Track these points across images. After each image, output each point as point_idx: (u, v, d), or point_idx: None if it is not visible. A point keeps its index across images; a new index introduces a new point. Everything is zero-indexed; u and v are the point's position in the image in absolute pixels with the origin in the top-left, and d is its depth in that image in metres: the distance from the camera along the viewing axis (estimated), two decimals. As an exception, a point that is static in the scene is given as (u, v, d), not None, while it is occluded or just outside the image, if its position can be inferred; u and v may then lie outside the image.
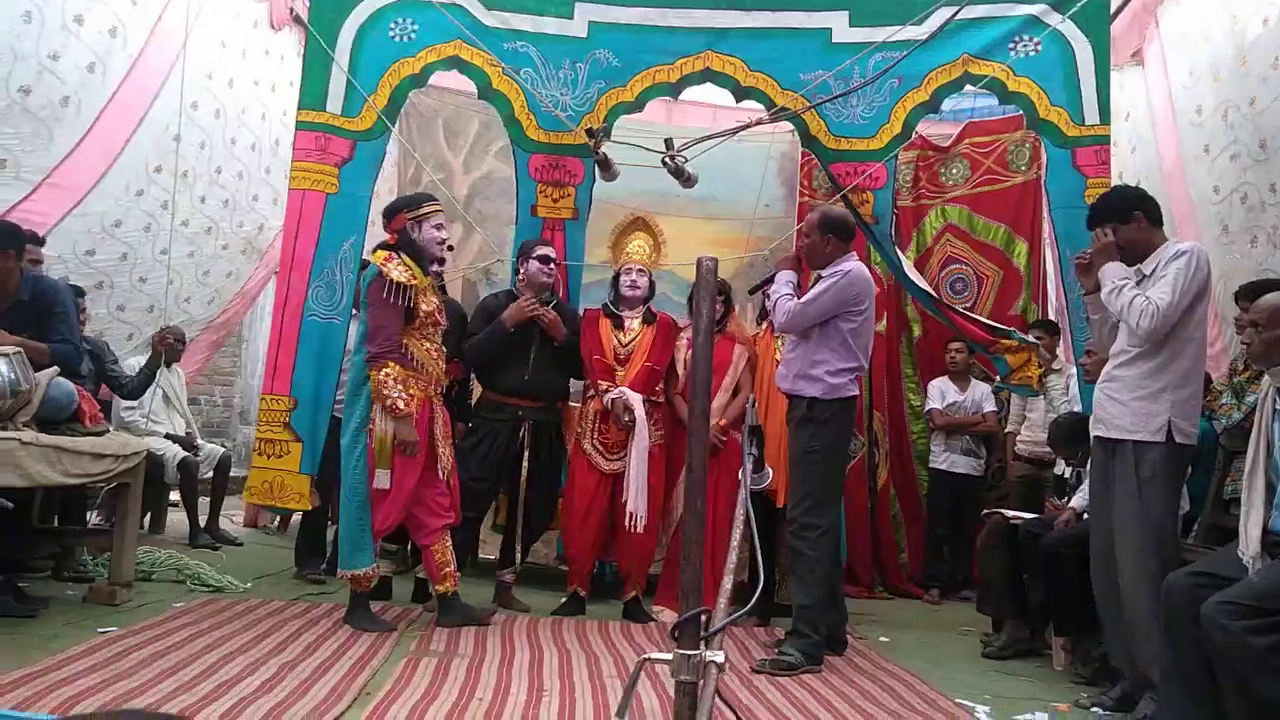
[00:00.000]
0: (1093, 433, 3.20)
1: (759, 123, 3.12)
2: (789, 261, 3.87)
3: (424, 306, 3.56)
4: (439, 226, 3.69)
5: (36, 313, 3.58)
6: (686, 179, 2.67)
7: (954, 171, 6.06)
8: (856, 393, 3.72)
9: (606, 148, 3.44)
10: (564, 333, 4.20)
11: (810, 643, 3.44)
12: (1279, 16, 3.91)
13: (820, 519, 3.54)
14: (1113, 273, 3.14)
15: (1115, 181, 4.66)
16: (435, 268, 3.99)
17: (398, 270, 3.50)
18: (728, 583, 1.29)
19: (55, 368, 3.37)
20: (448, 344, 4.22)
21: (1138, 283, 3.12)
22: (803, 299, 3.62)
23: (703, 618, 1.14)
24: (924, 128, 5.42)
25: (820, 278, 3.66)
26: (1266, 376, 2.86)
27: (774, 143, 6.03)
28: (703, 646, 1.12)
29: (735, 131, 2.74)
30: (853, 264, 3.66)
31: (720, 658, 1.13)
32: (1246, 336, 2.95)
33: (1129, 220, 3.14)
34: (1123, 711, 3.05)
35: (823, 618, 3.53)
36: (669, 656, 1.16)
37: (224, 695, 2.55)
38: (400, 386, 3.45)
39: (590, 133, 3.03)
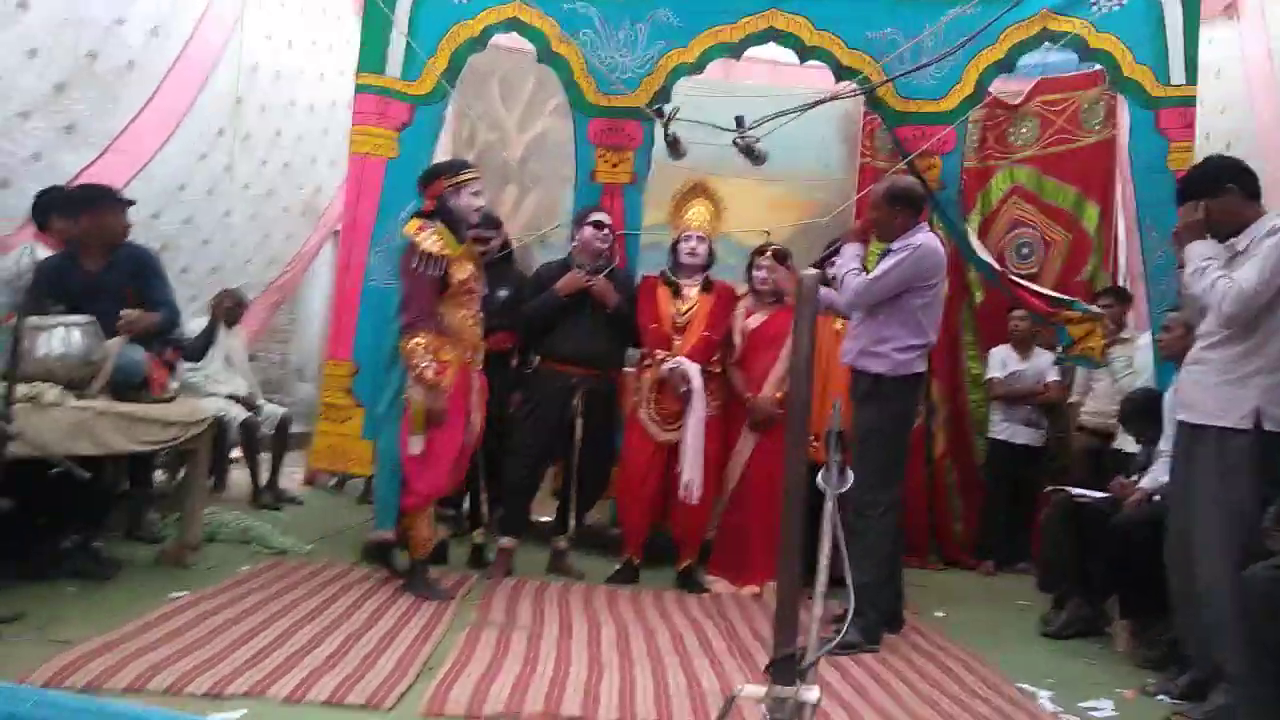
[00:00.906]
0: (1177, 416, 3.08)
1: (834, 97, 2.99)
2: (855, 234, 3.77)
3: (458, 275, 3.51)
4: (476, 194, 3.63)
5: (130, 271, 3.72)
6: (757, 157, 2.59)
7: (1023, 131, 5.82)
8: (923, 369, 3.64)
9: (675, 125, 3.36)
10: (615, 299, 4.15)
11: (869, 621, 3.42)
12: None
13: (883, 496, 3.48)
14: (1198, 251, 3.00)
15: (1200, 144, 4.44)
16: (489, 234, 3.97)
17: (430, 240, 3.46)
18: (818, 609, 1.25)
19: (124, 337, 3.43)
20: (507, 312, 4.23)
21: (1230, 260, 2.97)
22: (872, 275, 3.52)
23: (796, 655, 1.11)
24: (993, 85, 5.21)
25: (890, 250, 3.56)
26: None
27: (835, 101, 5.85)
28: (798, 684, 1.09)
29: (807, 108, 2.66)
30: (924, 236, 3.54)
31: (815, 695, 1.10)
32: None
33: (1220, 193, 2.96)
34: (1191, 700, 2.98)
35: (881, 596, 3.50)
36: (761, 691, 1.14)
37: (295, 668, 2.61)
38: (430, 355, 3.42)
39: (659, 112, 2.95)
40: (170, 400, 3.62)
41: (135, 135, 4.43)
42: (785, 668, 1.08)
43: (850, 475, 1.62)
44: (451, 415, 3.51)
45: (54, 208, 3.90)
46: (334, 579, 3.70)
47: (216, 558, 3.89)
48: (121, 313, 3.51)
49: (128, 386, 3.43)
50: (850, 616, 3.50)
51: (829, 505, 1.39)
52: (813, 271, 1.29)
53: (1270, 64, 4.47)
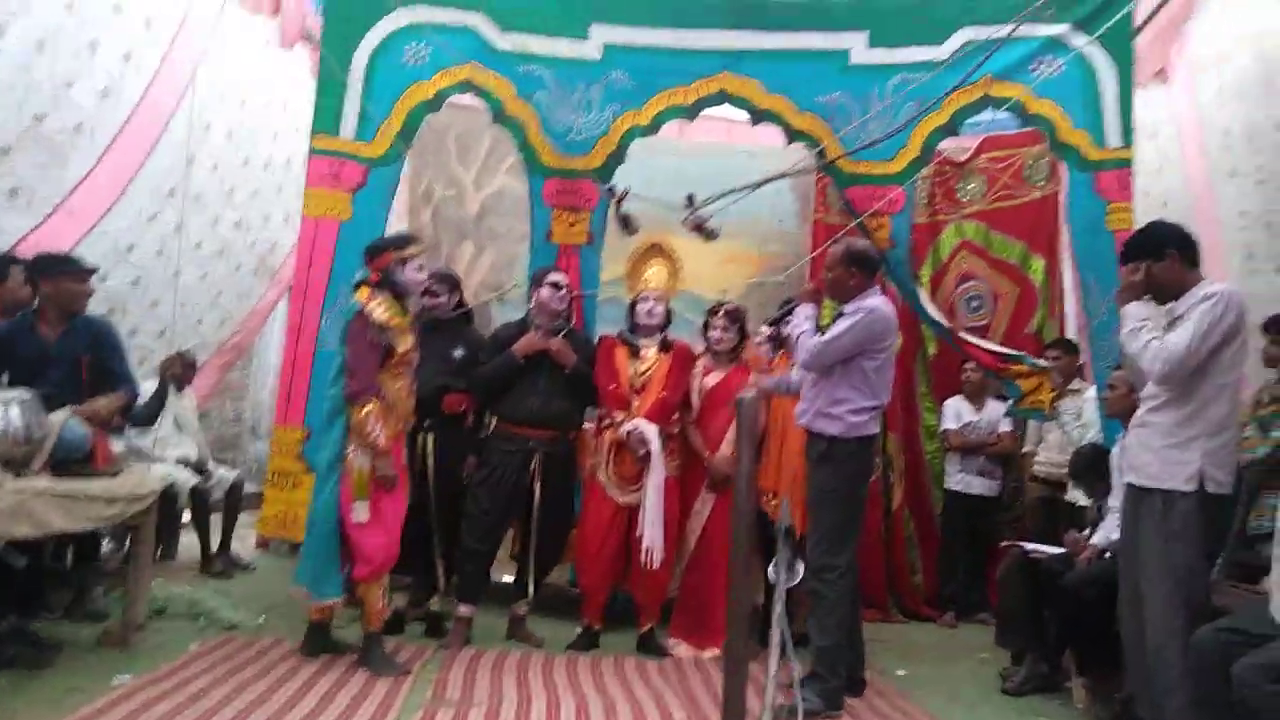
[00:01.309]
0: (1125, 479, 3.14)
1: (782, 175, 3.05)
2: (808, 295, 3.83)
3: (400, 346, 3.56)
4: (420, 268, 3.69)
5: (87, 342, 3.69)
6: (708, 234, 2.62)
7: (970, 187, 5.98)
8: (876, 430, 3.68)
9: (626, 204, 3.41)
10: (573, 360, 4.15)
11: (830, 687, 3.40)
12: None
13: (838, 559, 3.50)
14: (1134, 312, 3.08)
15: (1138, 203, 4.59)
16: (426, 301, 4.00)
17: (379, 310, 3.49)
18: (770, 692, 1.24)
19: (68, 410, 3.34)
20: (462, 373, 4.20)
21: (1169, 324, 3.05)
22: (826, 337, 3.57)
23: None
24: (941, 143, 5.35)
25: (843, 313, 3.61)
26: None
27: (789, 156, 5.97)
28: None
29: (756, 186, 2.69)
30: (876, 300, 3.61)
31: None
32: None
33: (1162, 258, 3.05)
34: (1147, 760, 3.01)
35: (842, 659, 3.50)
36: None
37: (242, 760, 2.53)
38: (380, 423, 3.45)
39: (611, 191, 2.98)
40: (115, 474, 3.52)
41: (84, 197, 4.37)
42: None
43: (800, 568, 1.62)
44: (395, 481, 3.53)
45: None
46: (285, 656, 3.59)
47: (163, 635, 3.76)
48: (97, 404, 3.54)
49: (70, 461, 3.33)
50: (801, 681, 3.49)
51: (778, 603, 1.39)
52: (752, 392, 1.29)
53: (1199, 128, 4.66)
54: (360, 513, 3.45)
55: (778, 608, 1.38)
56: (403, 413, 3.64)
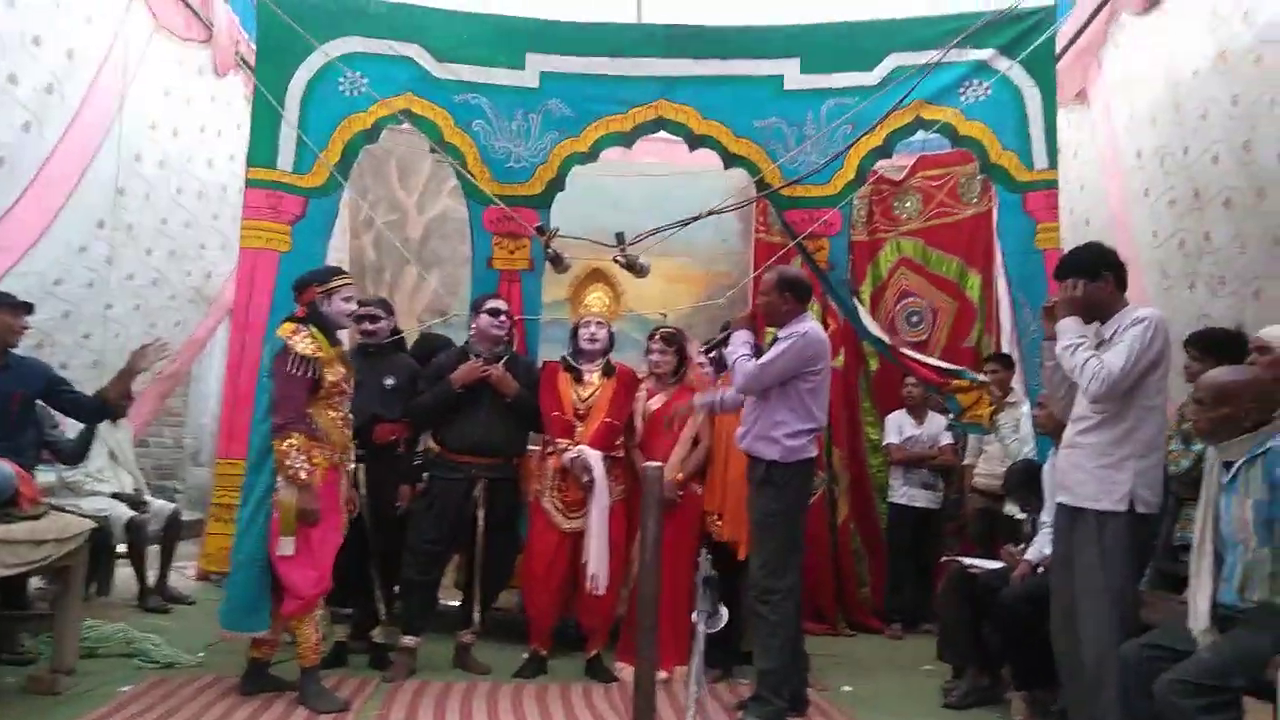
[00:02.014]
0: (1057, 499, 3.22)
1: (712, 213, 3.10)
2: (745, 320, 3.90)
3: (330, 377, 3.57)
4: (348, 299, 3.70)
5: (21, 379, 3.72)
6: (640, 271, 2.64)
7: (907, 205, 6.12)
8: (815, 453, 3.74)
9: (557, 241, 3.43)
10: (514, 388, 4.14)
11: (773, 709, 3.44)
12: (1209, 68, 3.96)
13: (781, 582, 3.54)
14: (1070, 328, 3.15)
15: (1064, 219, 4.72)
16: (367, 326, 3.98)
17: (303, 343, 3.51)
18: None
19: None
20: (394, 402, 4.17)
21: (1097, 345, 3.14)
22: (761, 360, 3.63)
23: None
24: (877, 163, 5.46)
25: (777, 337, 3.67)
26: (1211, 450, 2.89)
27: (729, 197, 6.03)
28: None
29: (686, 223, 2.73)
30: (808, 324, 3.69)
31: None
32: (1192, 412, 2.99)
33: (1097, 278, 3.12)
34: (1082, 772, 3.08)
35: (786, 682, 3.53)
36: None
37: (172, 811, 2.47)
38: (304, 456, 3.46)
39: (540, 230, 3.00)
40: (41, 516, 3.43)
41: (7, 232, 4.25)
42: None
43: (724, 614, 1.64)
44: (325, 514, 3.52)
45: None
46: (223, 695, 3.53)
47: (95, 677, 3.67)
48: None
49: (-6, 504, 3.25)
50: (744, 704, 3.52)
51: (698, 649, 1.42)
52: (654, 464, 1.31)
53: (1115, 150, 4.82)
54: (286, 547, 3.45)
55: (695, 659, 1.40)
56: (338, 443, 3.63)
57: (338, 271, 3.82)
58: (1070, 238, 4.50)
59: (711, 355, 4.13)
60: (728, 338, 3.88)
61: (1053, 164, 4.63)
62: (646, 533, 1.20)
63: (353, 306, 3.74)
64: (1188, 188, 4.17)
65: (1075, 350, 3.07)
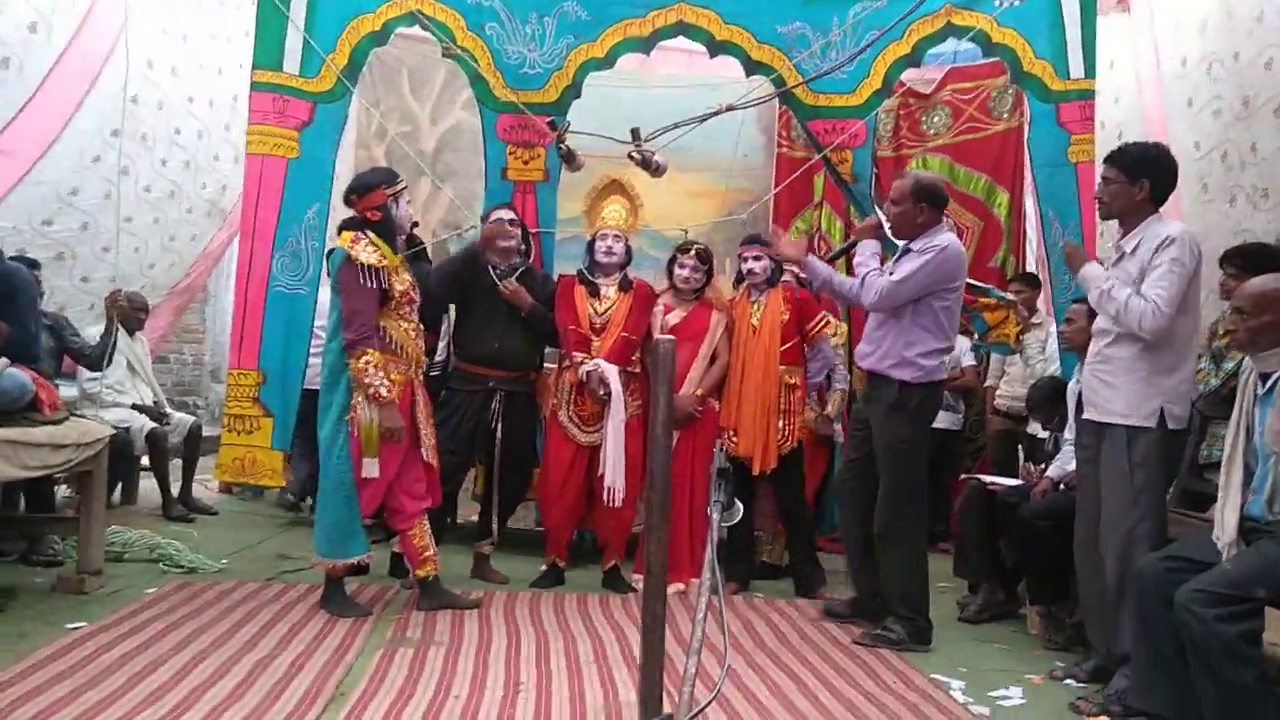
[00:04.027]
0: (1084, 415, 3.16)
1: (732, 108, 2.97)
2: (870, 229, 3.69)
3: (398, 286, 3.46)
4: (409, 202, 3.58)
5: None
6: (655, 169, 2.54)
7: (935, 120, 5.91)
8: (945, 375, 3.61)
9: (570, 138, 3.32)
10: (529, 302, 4.08)
11: (916, 625, 3.45)
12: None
13: (912, 509, 3.47)
14: (1094, 275, 3.07)
15: (1097, 133, 4.55)
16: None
17: (367, 252, 3.38)
18: (691, 666, 1.24)
19: (4, 359, 3.25)
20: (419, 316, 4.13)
21: (1116, 260, 3.04)
22: (897, 277, 3.42)
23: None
24: (905, 74, 5.27)
25: (909, 250, 3.48)
26: (1248, 359, 2.81)
27: (750, 91, 5.85)
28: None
29: (704, 119, 2.61)
30: (948, 238, 3.47)
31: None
32: (1231, 322, 2.90)
33: (1134, 183, 3.00)
34: (1096, 684, 3.09)
35: (923, 600, 3.50)
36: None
37: (198, 703, 2.52)
38: (381, 373, 3.36)
39: (552, 125, 2.89)
40: (62, 421, 3.45)
41: (15, 136, 4.20)
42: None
43: (739, 507, 1.61)
44: (403, 432, 3.44)
45: None
46: (244, 599, 3.59)
47: (121, 579, 3.74)
48: None
49: (14, 410, 3.26)
50: (887, 624, 3.50)
51: (711, 540, 1.39)
52: (666, 338, 1.26)
53: (1155, 57, 4.61)
54: (370, 469, 3.37)
55: (710, 551, 1.37)
56: (412, 355, 3.53)
57: (396, 173, 3.65)
58: (1104, 152, 4.34)
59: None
60: (853, 245, 3.72)
61: (1090, 73, 4.44)
62: (658, 408, 1.15)
63: (411, 212, 3.60)
64: (1236, 96, 4.00)
65: (1110, 294, 2.96)
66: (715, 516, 1.43)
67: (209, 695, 2.59)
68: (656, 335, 4.26)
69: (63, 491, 4.60)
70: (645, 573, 1.13)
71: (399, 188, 3.52)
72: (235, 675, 2.76)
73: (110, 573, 3.76)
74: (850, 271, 3.73)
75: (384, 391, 3.33)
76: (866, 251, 3.61)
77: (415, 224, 4.12)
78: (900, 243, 3.55)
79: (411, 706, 2.60)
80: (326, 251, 3.96)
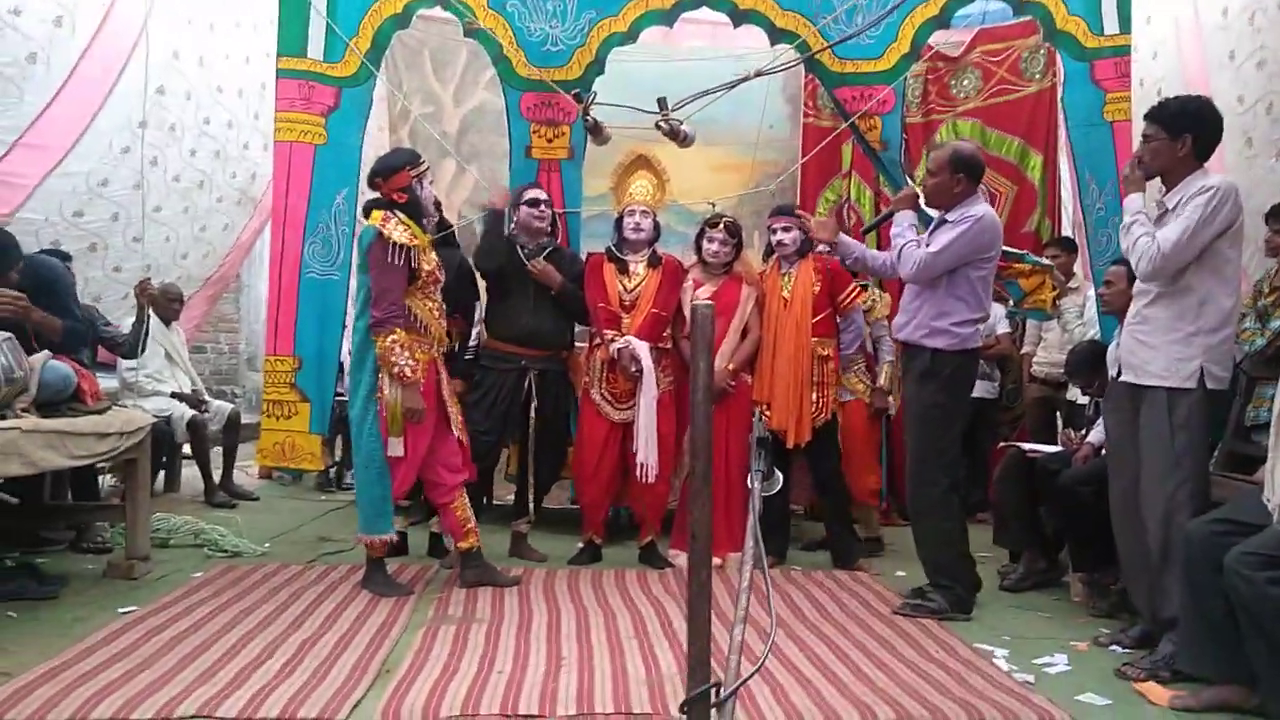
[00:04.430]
0: (1121, 378, 3.10)
1: (757, 74, 2.92)
2: (907, 200, 3.66)
3: (425, 266, 3.49)
4: (432, 183, 3.60)
5: (33, 293, 3.50)
6: (683, 139, 2.52)
7: (965, 83, 5.80)
8: (980, 343, 3.61)
9: (596, 110, 3.29)
10: (558, 280, 4.08)
11: (955, 594, 3.44)
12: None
13: (944, 476, 3.45)
14: (1131, 207, 3.00)
15: (1134, 91, 4.44)
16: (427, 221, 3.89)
17: (398, 231, 3.40)
18: (738, 634, 1.23)
19: (47, 351, 3.31)
20: (447, 299, 4.15)
21: (1159, 217, 2.97)
22: (933, 249, 3.42)
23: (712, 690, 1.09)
24: (934, 37, 5.16)
25: (945, 221, 3.46)
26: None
27: (776, 58, 5.76)
28: (714, 715, 1.07)
29: (731, 86, 2.57)
30: (984, 208, 3.46)
31: (735, 726, 1.09)
32: (1278, 278, 2.83)
33: (1175, 138, 2.92)
34: (1142, 650, 3.05)
35: (961, 569, 3.49)
36: (682, 722, 1.12)
37: (245, 683, 2.57)
38: (407, 353, 3.38)
39: (578, 97, 2.87)
40: (104, 411, 3.51)
41: (44, 130, 4.25)
42: (699, 705, 1.06)
43: (778, 478, 1.60)
44: (425, 414, 3.47)
45: None
46: (288, 581, 3.64)
47: (167, 564, 3.82)
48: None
49: (58, 401, 3.32)
50: (925, 588, 3.49)
51: (753, 508, 1.38)
52: (704, 302, 1.24)
53: (1194, 9, 4.48)
54: (395, 448, 3.42)
55: (752, 517, 1.36)
56: (436, 335, 3.57)
57: (419, 154, 3.68)
58: (1142, 110, 4.24)
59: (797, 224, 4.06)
60: (888, 217, 3.69)
61: (1125, 28, 4.33)
62: (698, 373, 1.14)
63: (434, 193, 3.63)
64: (1280, 46, 3.88)
65: (1130, 228, 2.93)
66: (756, 486, 1.41)
67: (259, 674, 2.64)
68: (686, 312, 4.24)
69: (107, 481, 4.69)
70: (690, 538, 1.12)
71: (423, 168, 3.54)
72: (283, 654, 2.81)
73: (157, 558, 3.84)
74: (881, 245, 3.70)
75: (408, 372, 3.37)
76: (903, 223, 3.59)
77: (439, 205, 4.14)
78: (935, 214, 3.51)
79: (456, 681, 2.63)
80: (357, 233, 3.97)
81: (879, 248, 4.30)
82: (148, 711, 2.36)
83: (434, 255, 3.58)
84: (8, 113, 4.07)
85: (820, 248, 4.24)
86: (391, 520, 3.56)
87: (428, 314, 3.52)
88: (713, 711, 1.06)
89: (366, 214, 3.53)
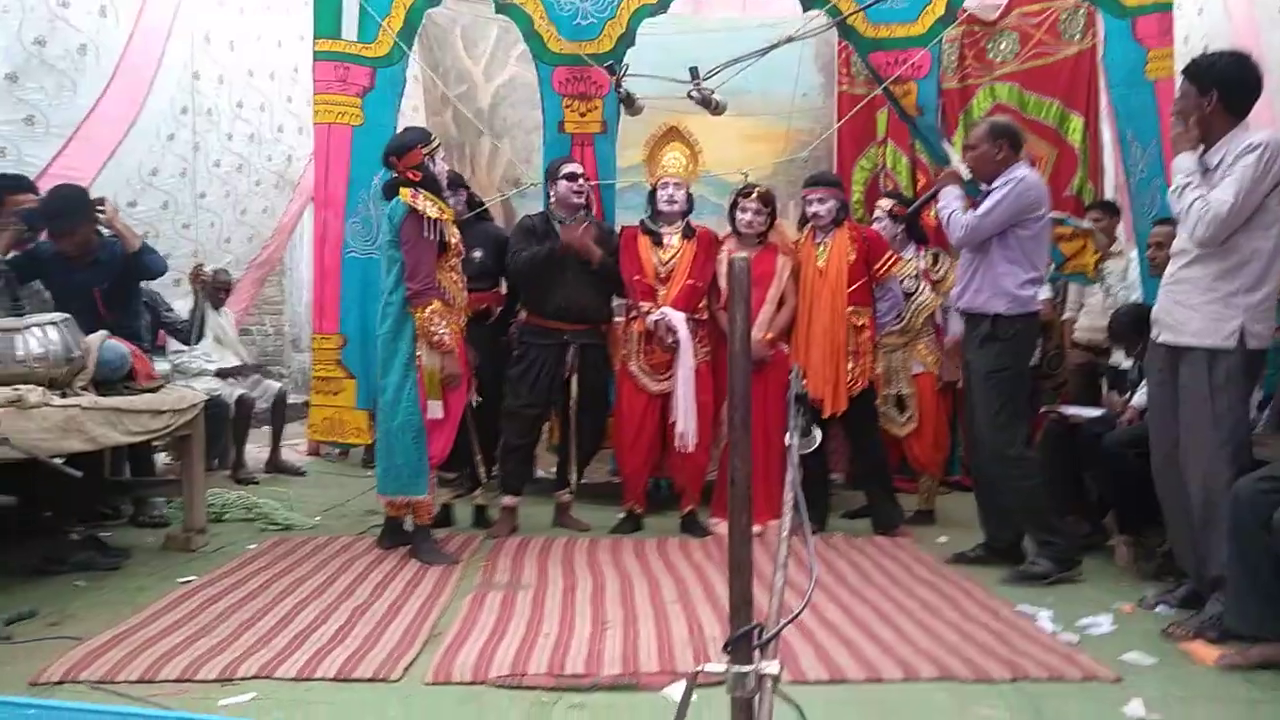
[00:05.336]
0: (1158, 339, 3.07)
1: (789, 40, 2.90)
2: (952, 176, 3.73)
3: (451, 239, 3.61)
4: (444, 159, 3.72)
5: (114, 272, 3.82)
6: (715, 108, 2.52)
7: (1002, 47, 5.68)
8: (1040, 306, 3.65)
9: (629, 81, 3.30)
10: (598, 255, 4.11)
11: (1056, 549, 3.47)
12: None
13: (1017, 435, 3.50)
14: (1182, 166, 2.95)
15: (1179, 48, 4.33)
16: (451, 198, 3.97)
17: (428, 206, 3.50)
18: (779, 580, 1.26)
19: (104, 331, 3.42)
20: (489, 271, 4.21)
21: (1202, 175, 2.92)
22: (978, 211, 3.48)
23: (755, 631, 1.12)
24: (969, 1, 5.08)
25: (991, 189, 3.50)
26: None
27: (809, 23, 5.70)
28: (757, 657, 1.10)
29: (764, 52, 2.56)
30: (1027, 170, 3.51)
31: (775, 669, 1.11)
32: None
33: (1204, 93, 2.86)
34: (1188, 610, 3.03)
35: (1057, 523, 3.53)
36: (721, 668, 1.15)
37: (302, 646, 2.66)
38: (444, 322, 3.51)
39: (610, 70, 2.88)
40: (158, 389, 3.62)
41: (98, 121, 4.36)
42: (743, 645, 1.09)
43: (817, 435, 1.62)
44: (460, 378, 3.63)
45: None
46: (339, 551, 3.75)
47: (223, 538, 3.94)
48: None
49: (113, 380, 3.43)
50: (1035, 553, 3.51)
51: (792, 463, 1.40)
52: (740, 255, 1.27)
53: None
54: (435, 410, 3.56)
55: (791, 473, 1.39)
56: (460, 304, 3.70)
57: (430, 131, 3.81)
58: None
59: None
60: (935, 194, 3.74)
61: (1168, -17, 4.22)
62: (735, 326, 1.17)
63: (445, 169, 3.75)
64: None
65: (1183, 192, 2.88)
66: (794, 441, 1.43)
67: (313, 639, 2.73)
68: (722, 283, 4.25)
69: (162, 459, 4.83)
70: (729, 483, 1.15)
71: (434, 145, 3.66)
72: (336, 620, 2.90)
73: (212, 531, 3.97)
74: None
75: (447, 339, 3.49)
76: (949, 196, 3.63)
77: (463, 181, 4.19)
78: (982, 187, 3.53)
79: (505, 645, 2.69)
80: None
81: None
82: (210, 673, 2.46)
83: (456, 228, 3.69)
84: (62, 107, 4.17)
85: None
86: (427, 482, 3.65)
87: (453, 285, 3.65)
88: (755, 653, 1.09)
89: (387, 193, 3.63)
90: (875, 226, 4.45)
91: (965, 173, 3.68)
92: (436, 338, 3.48)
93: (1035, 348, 3.74)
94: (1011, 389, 3.51)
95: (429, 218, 3.46)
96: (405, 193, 3.52)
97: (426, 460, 3.61)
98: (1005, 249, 3.47)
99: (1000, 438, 3.48)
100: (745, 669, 1.08)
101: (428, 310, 3.47)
